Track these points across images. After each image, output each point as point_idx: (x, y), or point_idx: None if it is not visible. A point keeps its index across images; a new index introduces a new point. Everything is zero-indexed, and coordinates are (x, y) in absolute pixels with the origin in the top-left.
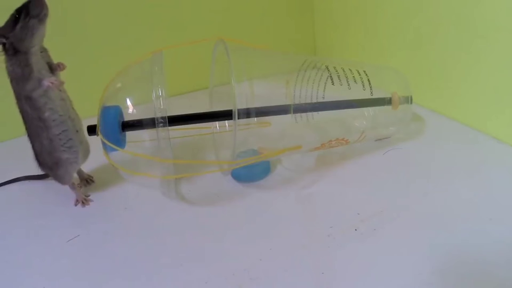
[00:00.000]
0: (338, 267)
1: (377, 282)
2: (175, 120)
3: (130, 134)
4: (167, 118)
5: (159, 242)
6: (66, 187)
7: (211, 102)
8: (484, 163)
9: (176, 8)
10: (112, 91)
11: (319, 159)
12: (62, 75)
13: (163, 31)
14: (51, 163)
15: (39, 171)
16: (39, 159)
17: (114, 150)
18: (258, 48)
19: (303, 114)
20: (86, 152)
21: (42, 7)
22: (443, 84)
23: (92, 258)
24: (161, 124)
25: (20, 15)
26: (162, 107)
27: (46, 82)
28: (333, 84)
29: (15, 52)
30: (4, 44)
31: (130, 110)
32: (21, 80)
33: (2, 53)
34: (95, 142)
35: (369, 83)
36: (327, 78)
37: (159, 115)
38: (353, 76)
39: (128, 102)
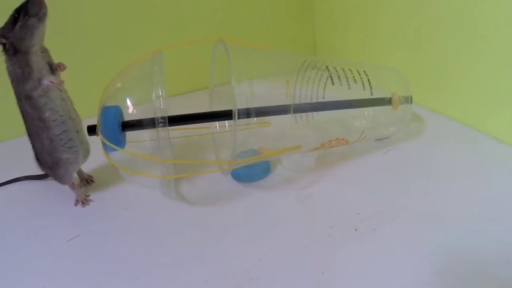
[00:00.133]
0: (338, 267)
1: (377, 282)
2: (175, 120)
3: (130, 134)
4: (167, 118)
5: (159, 242)
6: (66, 187)
7: (211, 102)
8: (484, 163)
9: (176, 8)
10: (112, 91)
11: (319, 159)
12: (62, 75)
13: (163, 31)
14: (51, 163)
15: (39, 171)
16: (39, 159)
17: (114, 150)
18: (258, 48)
19: (303, 114)
20: (86, 152)
21: (41, 6)
22: (443, 84)
23: (92, 258)
24: (161, 124)
25: (19, 14)
26: (162, 107)
27: (45, 81)
28: (333, 84)
29: (15, 52)
30: (4, 44)
31: (130, 110)
32: (21, 80)
33: (3, 53)
34: (95, 142)
35: (369, 83)
36: (327, 78)
37: (159, 115)
38: (353, 76)
39: (128, 102)
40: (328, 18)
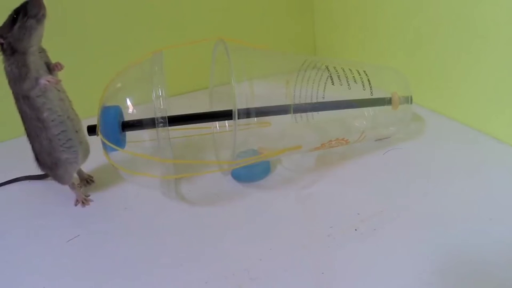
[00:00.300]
0: (338, 267)
1: (377, 282)
2: (175, 120)
3: (130, 134)
4: (167, 118)
5: (159, 242)
6: (66, 187)
7: (211, 102)
8: (484, 163)
9: (176, 8)
10: (112, 91)
11: (319, 159)
12: (62, 74)
13: (163, 31)
14: (50, 163)
15: (39, 171)
16: (39, 159)
17: (114, 150)
18: (258, 48)
19: (303, 114)
20: (86, 152)
21: (40, 7)
22: (443, 84)
23: (92, 258)
24: (161, 124)
25: (18, 15)
26: (162, 107)
27: (43, 81)
28: (333, 84)
29: (13, 52)
30: (2, 44)
31: (130, 110)
32: (18, 80)
33: (0, 53)
34: (95, 142)
35: (369, 83)
36: (327, 78)
37: (159, 115)
38: (353, 76)
39: (128, 102)
40: (328, 18)
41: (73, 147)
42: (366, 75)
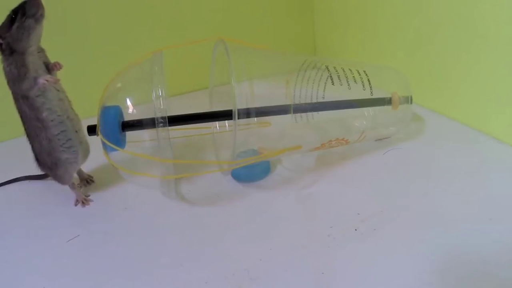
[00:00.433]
0: (338, 267)
1: (377, 282)
2: (175, 120)
3: (130, 134)
4: (167, 118)
5: (159, 242)
6: (66, 187)
7: (211, 102)
8: (484, 163)
9: (176, 8)
10: (112, 91)
11: (319, 159)
12: (62, 74)
13: (163, 31)
14: (50, 163)
15: (39, 171)
16: (39, 159)
17: (114, 150)
18: (258, 48)
19: (303, 114)
20: (86, 152)
21: (38, 7)
22: (443, 84)
23: (92, 258)
24: (161, 124)
25: (16, 15)
26: (162, 107)
27: (41, 80)
28: (333, 84)
29: (12, 52)
30: (0, 45)
31: (130, 110)
32: (17, 80)
33: None
34: (95, 142)
35: (369, 83)
36: (327, 78)
37: (159, 115)
38: (353, 76)
39: (128, 102)
40: (328, 18)
41: (73, 147)
42: (366, 75)
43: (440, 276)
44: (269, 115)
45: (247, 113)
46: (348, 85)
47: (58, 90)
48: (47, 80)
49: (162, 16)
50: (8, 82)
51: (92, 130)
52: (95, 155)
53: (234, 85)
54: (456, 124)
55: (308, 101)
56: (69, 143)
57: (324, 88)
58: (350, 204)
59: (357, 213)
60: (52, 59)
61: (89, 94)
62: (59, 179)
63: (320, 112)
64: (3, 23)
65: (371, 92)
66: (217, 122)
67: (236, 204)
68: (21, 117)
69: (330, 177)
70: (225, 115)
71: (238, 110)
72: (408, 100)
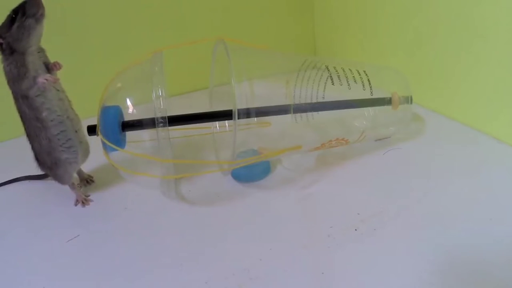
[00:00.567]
0: (338, 267)
1: (377, 282)
2: (175, 120)
3: (130, 134)
4: (167, 118)
5: (159, 242)
6: (66, 187)
7: (211, 102)
8: (484, 163)
9: (176, 8)
10: (112, 91)
11: (319, 159)
12: (61, 74)
13: (163, 31)
14: (50, 163)
15: (39, 171)
16: (39, 159)
17: (114, 150)
18: (258, 48)
19: (303, 114)
20: (86, 152)
21: (39, 6)
22: (443, 84)
23: (92, 258)
24: (161, 124)
25: (16, 15)
26: (162, 107)
27: (41, 79)
28: (333, 84)
29: (12, 52)
30: (1, 44)
31: (130, 110)
32: (17, 79)
33: None
34: (95, 142)
35: (369, 83)
36: (327, 78)
37: (159, 115)
38: (353, 76)
39: (128, 102)
40: (328, 18)
41: (72, 147)
42: (366, 75)
43: (440, 276)
44: (269, 115)
45: (247, 113)
46: (348, 85)
47: (58, 90)
48: (46, 79)
49: (162, 16)
50: (8, 82)
51: (92, 130)
52: (95, 155)
53: (234, 85)
54: (456, 124)
55: (308, 101)
56: (69, 143)
57: (324, 88)
58: (350, 204)
59: (357, 213)
60: (52, 59)
61: (89, 94)
62: (59, 179)
63: (320, 112)
64: (3, 23)
65: (371, 92)
66: (217, 122)
67: (236, 204)
68: (21, 117)
69: (330, 177)
70: (225, 115)
71: (238, 110)
72: (408, 100)
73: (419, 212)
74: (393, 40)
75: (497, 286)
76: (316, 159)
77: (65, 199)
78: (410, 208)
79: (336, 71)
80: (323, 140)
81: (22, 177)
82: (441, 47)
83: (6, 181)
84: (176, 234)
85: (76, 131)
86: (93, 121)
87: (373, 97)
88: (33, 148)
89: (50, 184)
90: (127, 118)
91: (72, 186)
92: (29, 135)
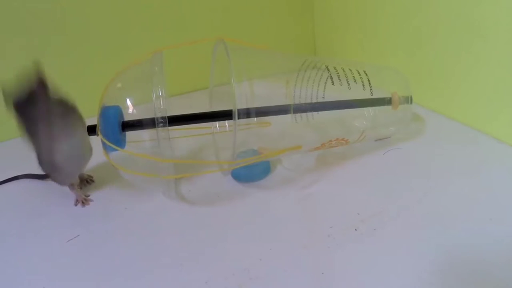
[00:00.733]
0: (338, 267)
1: (377, 282)
2: (175, 120)
3: (130, 134)
4: (167, 118)
5: (159, 242)
6: (66, 187)
7: (211, 102)
8: (484, 163)
9: (176, 8)
10: (112, 91)
11: (319, 159)
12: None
13: (163, 31)
14: (50, 169)
15: (40, 171)
16: (39, 159)
17: (114, 150)
18: (258, 48)
19: (303, 114)
20: (89, 157)
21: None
22: (443, 84)
23: (92, 258)
24: (161, 124)
25: None
26: (162, 107)
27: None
28: (333, 84)
29: None
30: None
31: (130, 110)
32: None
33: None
34: (95, 142)
35: (369, 83)
36: (327, 78)
37: (159, 115)
38: (353, 76)
39: (128, 102)
40: (328, 18)
41: (76, 163)
42: (366, 75)
43: (440, 276)
44: (269, 115)
45: (247, 113)
46: (348, 85)
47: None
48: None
49: (162, 16)
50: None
51: (92, 130)
52: (95, 155)
53: (234, 85)
54: (456, 124)
55: (308, 101)
56: (73, 163)
57: (324, 88)
58: (350, 204)
59: (357, 213)
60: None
61: (89, 94)
62: (59, 182)
63: (320, 112)
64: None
65: (371, 92)
66: (217, 122)
67: (236, 204)
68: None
69: (330, 177)
70: (225, 115)
71: (238, 110)
72: (408, 100)
73: (419, 212)
74: (393, 40)
75: (497, 286)
76: (316, 159)
77: (65, 199)
78: (410, 208)
79: (336, 71)
80: (323, 140)
81: (21, 175)
82: (441, 47)
83: (6, 179)
84: (176, 234)
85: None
86: (93, 121)
87: (373, 97)
88: (34, 148)
89: (50, 184)
90: (127, 118)
91: (72, 186)
92: (30, 140)
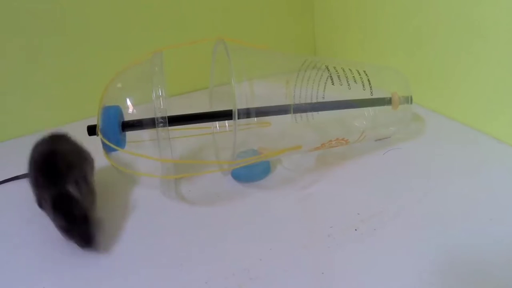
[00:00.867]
0: (338, 267)
1: (377, 282)
2: (175, 120)
3: (130, 134)
4: (167, 118)
5: (159, 242)
6: None
7: (211, 102)
8: (484, 163)
9: (176, 8)
10: (112, 91)
11: (319, 159)
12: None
13: (163, 31)
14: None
15: None
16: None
17: (114, 150)
18: (258, 48)
19: (303, 114)
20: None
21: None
22: (443, 84)
23: (92, 258)
24: (161, 124)
25: None
26: (162, 107)
27: None
28: (333, 84)
29: None
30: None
31: (130, 110)
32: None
33: None
34: (95, 142)
35: (369, 83)
36: (327, 78)
37: (159, 115)
38: (353, 76)
39: (128, 102)
40: (328, 18)
41: None
42: (366, 75)
43: (440, 276)
44: (269, 115)
45: (247, 113)
46: (348, 85)
47: None
48: None
49: (162, 16)
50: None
51: (92, 130)
52: (95, 155)
53: (234, 85)
54: (456, 124)
55: (308, 101)
56: None
57: (324, 88)
58: (350, 204)
59: (357, 213)
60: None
61: (89, 94)
62: None
63: (320, 112)
64: None
65: (371, 92)
66: (217, 122)
67: (236, 204)
68: None
69: (330, 177)
70: (225, 115)
71: (238, 110)
72: (408, 100)
73: (419, 212)
74: (393, 40)
75: (497, 286)
76: (316, 159)
77: None
78: (410, 208)
79: (336, 71)
80: (323, 140)
81: (21, 175)
82: (441, 47)
83: (6, 179)
84: (176, 234)
85: None
86: (93, 121)
87: (373, 97)
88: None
89: None
90: (127, 118)
91: None
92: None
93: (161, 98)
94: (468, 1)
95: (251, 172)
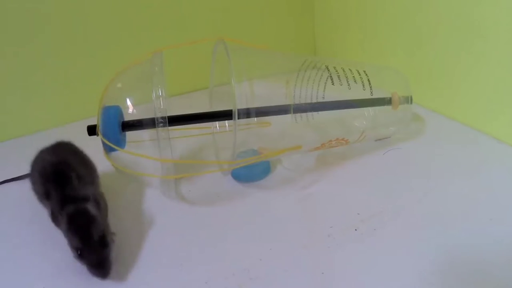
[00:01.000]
0: (338, 267)
1: (377, 282)
2: (175, 120)
3: (130, 134)
4: (167, 118)
5: (159, 242)
6: None
7: (211, 102)
8: (484, 163)
9: (176, 8)
10: (112, 91)
11: (319, 159)
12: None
13: (163, 31)
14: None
15: None
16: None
17: (114, 150)
18: (258, 48)
19: (303, 114)
20: None
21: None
22: (443, 84)
23: None
24: (161, 124)
25: None
26: (162, 107)
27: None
28: (333, 84)
29: None
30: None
31: (130, 110)
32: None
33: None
34: (95, 142)
35: (369, 83)
36: (327, 78)
37: (159, 115)
38: (353, 76)
39: (128, 102)
40: (328, 18)
41: None
42: (366, 75)
43: (440, 276)
44: (269, 115)
45: (247, 113)
46: (348, 85)
47: None
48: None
49: (162, 16)
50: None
51: (92, 130)
52: (95, 155)
53: (234, 85)
54: (456, 124)
55: (308, 101)
56: None
57: (324, 88)
58: (350, 204)
59: (357, 213)
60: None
61: (89, 94)
62: None
63: (320, 112)
64: None
65: (371, 92)
66: (217, 122)
67: (236, 204)
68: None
69: (330, 177)
70: (225, 115)
71: (238, 110)
72: (408, 100)
73: (419, 212)
74: (393, 40)
75: (497, 286)
76: (316, 159)
77: None
78: (410, 208)
79: (336, 71)
80: (323, 140)
81: (22, 175)
82: (441, 47)
83: (6, 179)
84: (176, 234)
85: None
86: (93, 121)
87: (373, 97)
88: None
89: None
90: (127, 118)
91: None
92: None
93: (161, 98)
94: (468, 1)
95: (251, 172)
